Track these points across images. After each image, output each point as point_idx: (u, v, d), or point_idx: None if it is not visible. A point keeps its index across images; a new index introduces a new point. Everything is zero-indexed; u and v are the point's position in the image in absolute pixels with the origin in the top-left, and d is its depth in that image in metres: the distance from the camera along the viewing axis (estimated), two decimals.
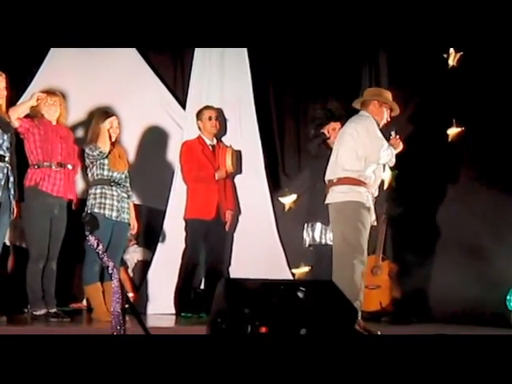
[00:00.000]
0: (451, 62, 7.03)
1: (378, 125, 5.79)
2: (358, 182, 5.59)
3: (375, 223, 5.84)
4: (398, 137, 5.86)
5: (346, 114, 7.10)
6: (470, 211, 6.59)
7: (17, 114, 5.76)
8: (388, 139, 5.82)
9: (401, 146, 5.86)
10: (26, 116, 5.89)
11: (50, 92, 6.06)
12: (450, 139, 6.97)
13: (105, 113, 6.30)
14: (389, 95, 5.93)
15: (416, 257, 6.86)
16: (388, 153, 5.69)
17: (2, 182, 5.56)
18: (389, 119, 5.91)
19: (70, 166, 6.05)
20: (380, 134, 5.72)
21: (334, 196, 5.67)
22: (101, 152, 6.06)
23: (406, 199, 7.09)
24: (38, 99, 5.83)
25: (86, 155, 6.13)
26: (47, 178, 5.91)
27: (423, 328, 6.13)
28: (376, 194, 5.76)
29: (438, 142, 7.04)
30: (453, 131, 6.95)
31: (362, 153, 5.63)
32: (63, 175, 5.99)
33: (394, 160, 5.80)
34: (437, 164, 6.98)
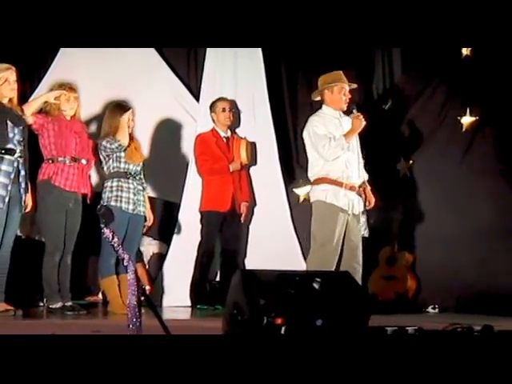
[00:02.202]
0: (465, 51, 6.99)
1: (339, 112, 5.79)
2: (320, 181, 5.69)
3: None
4: (358, 114, 5.72)
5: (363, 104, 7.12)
6: (484, 200, 6.57)
7: (32, 109, 5.75)
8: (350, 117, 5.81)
9: (362, 124, 5.72)
10: (41, 112, 5.89)
11: (71, 88, 6.03)
12: (464, 128, 6.94)
13: (122, 106, 6.27)
14: (335, 76, 5.83)
15: (431, 247, 6.85)
16: (332, 150, 5.61)
17: (12, 176, 5.53)
18: (348, 97, 5.84)
19: (84, 161, 6.04)
20: (323, 131, 5.68)
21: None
22: (120, 145, 6.07)
23: (421, 189, 7.06)
24: (58, 96, 5.83)
25: (102, 148, 6.12)
26: (60, 173, 5.90)
27: (437, 318, 6.13)
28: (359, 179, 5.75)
29: (451, 131, 7.01)
30: (467, 120, 6.92)
31: (315, 154, 5.73)
32: (77, 170, 5.98)
33: (345, 146, 5.68)
34: (451, 153, 6.95)
